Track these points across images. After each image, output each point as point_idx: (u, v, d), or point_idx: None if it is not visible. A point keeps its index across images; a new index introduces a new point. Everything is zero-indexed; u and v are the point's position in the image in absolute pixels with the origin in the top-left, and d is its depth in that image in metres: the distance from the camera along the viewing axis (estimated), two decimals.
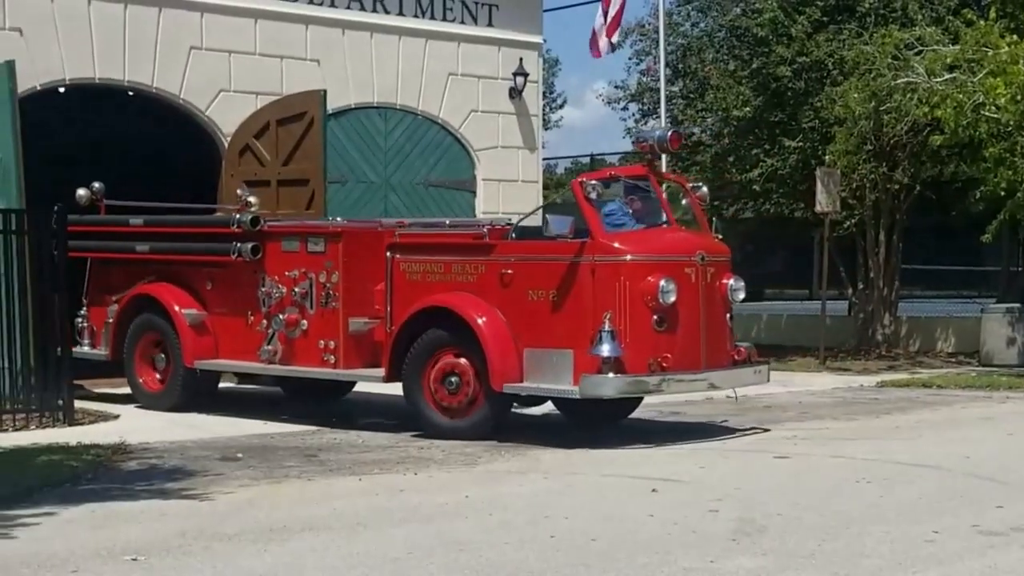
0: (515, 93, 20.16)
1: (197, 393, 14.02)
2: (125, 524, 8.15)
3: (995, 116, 17.37)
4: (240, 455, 11.01)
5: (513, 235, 12.18)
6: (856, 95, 19.04)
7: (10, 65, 14.12)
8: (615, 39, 22.14)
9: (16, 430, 12.35)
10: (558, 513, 8.47)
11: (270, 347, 13.24)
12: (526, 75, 20.15)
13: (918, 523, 8.17)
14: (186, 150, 17.91)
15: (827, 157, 20.20)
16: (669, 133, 12.37)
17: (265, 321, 13.30)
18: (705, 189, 13.42)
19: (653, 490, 9.37)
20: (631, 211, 12.40)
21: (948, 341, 22.99)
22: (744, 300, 12.95)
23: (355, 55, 18.65)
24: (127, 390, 14.57)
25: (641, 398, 12.76)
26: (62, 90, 16.61)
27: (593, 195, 11.80)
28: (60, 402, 12.84)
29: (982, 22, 18.01)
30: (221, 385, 15.22)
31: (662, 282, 11.45)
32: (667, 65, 22.62)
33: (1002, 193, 18.01)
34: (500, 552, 7.34)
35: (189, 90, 17.29)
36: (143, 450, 11.19)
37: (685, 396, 14.09)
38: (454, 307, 11.98)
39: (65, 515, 8.43)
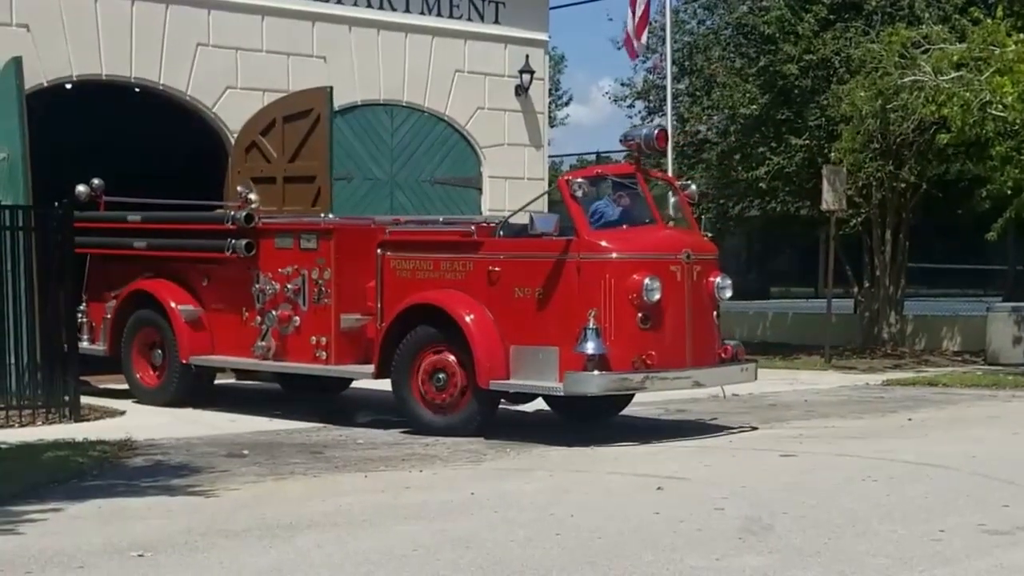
0: (521, 90, 20.16)
1: (193, 389, 14.09)
2: (131, 520, 8.16)
3: (1002, 115, 17.35)
4: (246, 452, 11.02)
5: (501, 233, 12.22)
6: (863, 93, 19.01)
7: (17, 61, 14.16)
8: (644, 38, 22.12)
9: (22, 426, 12.38)
10: (564, 511, 8.47)
11: (264, 343, 13.32)
12: (532, 72, 20.16)
13: (924, 522, 8.17)
14: (193, 147, 17.93)
15: (833, 155, 20.18)
16: (656, 131, 12.39)
17: (259, 317, 13.38)
18: (694, 187, 13.45)
19: (659, 488, 9.37)
20: (618, 209, 12.45)
21: (954, 340, 22.98)
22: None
23: (362, 52, 18.66)
24: None
25: (632, 395, 12.79)
26: (69, 87, 16.64)
27: (579, 193, 11.84)
28: (66, 398, 12.85)
29: (989, 20, 17.97)
30: (222, 382, 15.29)
31: (647, 280, 11.49)
32: (673, 63, 22.58)
33: (1008, 192, 18.00)
34: (506, 549, 7.35)
35: (196, 87, 17.31)
36: (149, 446, 11.21)
37: (690, 394, 14.11)
38: (442, 304, 12.05)
39: (72, 511, 8.44)
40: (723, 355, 12.38)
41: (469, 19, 19.75)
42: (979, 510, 8.61)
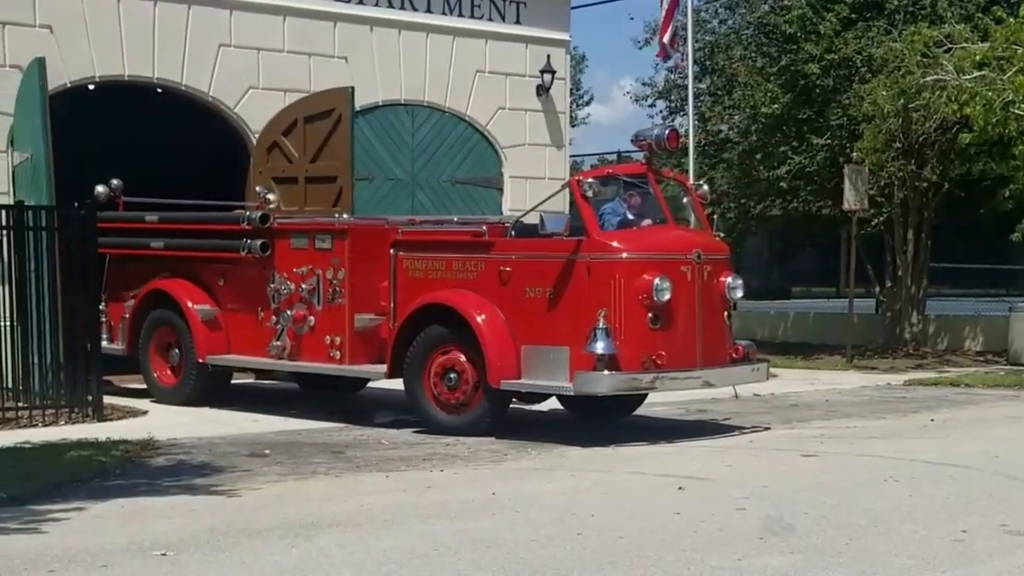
0: (542, 90, 20.16)
1: (210, 388, 14.17)
2: (154, 519, 8.19)
3: None
4: (267, 451, 11.05)
5: (512, 233, 12.24)
6: (885, 92, 18.98)
7: (41, 62, 14.21)
8: (666, 38, 22.11)
9: (46, 425, 12.42)
10: (585, 511, 8.47)
11: (279, 343, 13.38)
12: (553, 72, 20.15)
13: (946, 522, 8.15)
14: (214, 147, 17.98)
15: (855, 154, 20.14)
16: (667, 131, 12.37)
17: (274, 317, 13.44)
18: (706, 187, 13.43)
19: (680, 488, 9.36)
20: (628, 208, 12.46)
21: (976, 340, 22.90)
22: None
23: (383, 52, 18.68)
24: None
25: (645, 395, 12.79)
26: (92, 87, 16.70)
27: (590, 193, 11.84)
28: (89, 398, 12.90)
29: (1012, 19, 17.92)
30: (242, 381, 15.34)
31: (656, 280, 11.49)
32: (695, 62, 22.54)
33: None
34: (527, 549, 7.35)
35: (218, 87, 17.36)
36: (171, 446, 11.25)
37: (710, 394, 14.11)
38: (453, 304, 12.08)
39: (95, 510, 8.48)
40: (734, 355, 12.37)
41: (490, 19, 19.76)
42: (1002, 510, 8.58)
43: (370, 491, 9.28)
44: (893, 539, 7.65)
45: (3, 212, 13.14)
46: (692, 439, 12.03)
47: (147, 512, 8.44)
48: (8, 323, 12.95)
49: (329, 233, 13.18)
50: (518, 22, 19.99)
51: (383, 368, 12.64)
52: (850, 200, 19.78)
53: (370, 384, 14.61)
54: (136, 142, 18.90)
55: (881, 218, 22.00)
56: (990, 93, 17.35)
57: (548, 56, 20.12)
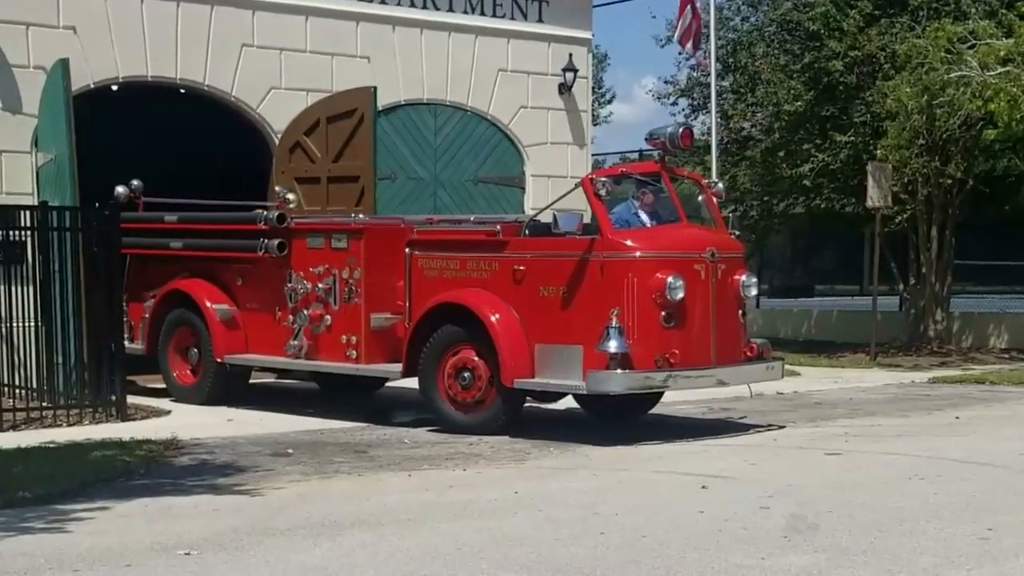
0: (564, 89, 20.13)
1: (228, 387, 14.23)
2: (178, 519, 8.21)
3: None
4: (290, 451, 11.07)
5: (526, 232, 12.24)
6: (908, 89, 18.90)
7: (64, 63, 14.27)
8: (676, 36, 22.09)
9: (70, 425, 12.47)
10: (608, 509, 8.46)
11: (296, 342, 13.42)
12: (575, 71, 20.12)
13: (972, 520, 8.11)
14: (237, 147, 18.02)
15: (879, 152, 20.07)
16: (681, 129, 12.34)
17: (291, 316, 13.49)
18: (721, 185, 13.41)
19: (703, 487, 9.34)
20: (642, 207, 12.46)
21: (1001, 337, 22.81)
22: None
23: (405, 52, 18.69)
24: None
25: (661, 393, 12.78)
26: (115, 88, 16.75)
27: (603, 192, 11.83)
28: (113, 398, 12.95)
29: None
30: (263, 381, 15.39)
31: (670, 279, 11.48)
32: (717, 60, 22.51)
33: None
34: (550, 548, 7.34)
35: (241, 87, 17.39)
36: (195, 445, 11.27)
37: (734, 392, 14.08)
38: (468, 303, 12.10)
39: (119, 509, 8.51)
40: (748, 353, 12.35)
41: (512, 18, 19.75)
42: None
43: (393, 490, 9.28)
44: (918, 537, 7.62)
45: (27, 213, 13.21)
46: (715, 438, 12.01)
47: (171, 511, 8.47)
48: (32, 323, 13.00)
49: (345, 233, 13.22)
50: (540, 21, 19.97)
51: (399, 367, 12.67)
52: (874, 197, 19.71)
53: (390, 383, 14.62)
54: (159, 143, 18.97)
55: (905, 215, 21.90)
56: (1015, 89, 17.27)
57: (570, 54, 20.09)
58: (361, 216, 13.84)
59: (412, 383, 12.96)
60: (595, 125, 34.84)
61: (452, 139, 19.20)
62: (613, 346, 11.28)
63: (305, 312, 13.30)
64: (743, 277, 12.21)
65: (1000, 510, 8.49)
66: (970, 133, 20.24)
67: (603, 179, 11.96)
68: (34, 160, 15.48)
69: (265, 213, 13.68)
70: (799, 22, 22.28)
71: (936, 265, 22.24)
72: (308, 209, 14.91)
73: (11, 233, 13.13)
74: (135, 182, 14.86)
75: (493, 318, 11.89)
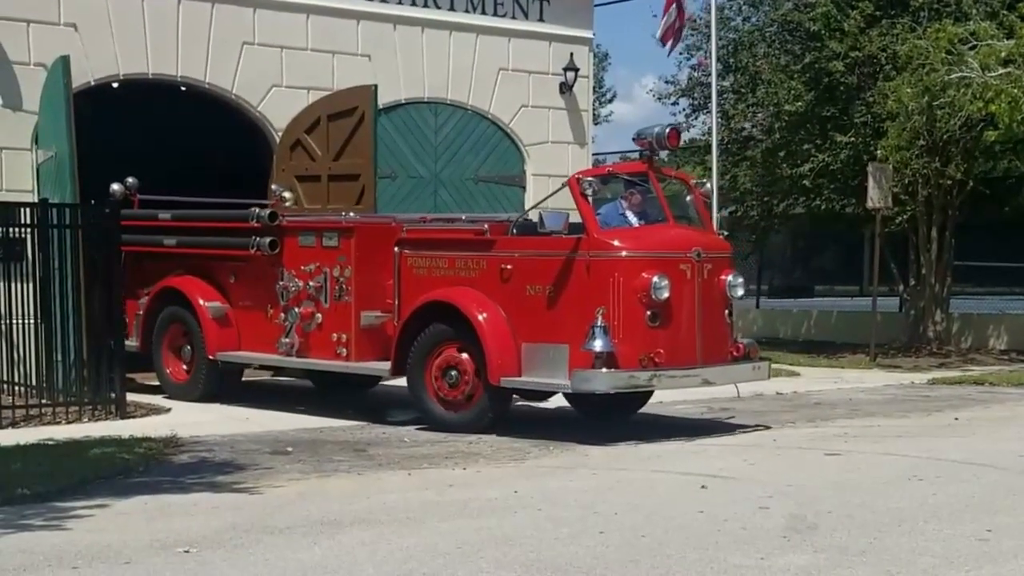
0: (565, 88, 20.13)
1: (221, 384, 14.29)
2: (177, 516, 8.21)
3: None
4: (290, 449, 11.07)
5: (513, 231, 12.27)
6: (909, 90, 18.89)
7: (65, 60, 14.27)
8: (657, 34, 22.11)
9: (69, 423, 12.47)
10: (607, 509, 8.46)
11: (288, 340, 13.49)
12: (576, 70, 20.11)
13: (971, 521, 8.11)
14: (238, 145, 18.02)
15: (879, 152, 20.06)
16: (667, 130, 12.36)
17: (283, 314, 13.56)
18: (709, 185, 13.44)
19: (703, 486, 9.34)
20: (629, 207, 12.51)
21: (1001, 338, 22.81)
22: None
23: (406, 50, 18.68)
24: None
25: (650, 392, 12.80)
26: (116, 85, 16.74)
27: (589, 192, 11.86)
28: (112, 395, 12.95)
29: None
30: (260, 379, 15.41)
31: (655, 278, 11.50)
32: (718, 60, 22.49)
33: None
34: (550, 547, 7.34)
35: (241, 85, 17.39)
36: (194, 443, 11.28)
37: (733, 392, 14.07)
38: (455, 302, 12.14)
39: (118, 507, 8.51)
40: (735, 353, 12.36)
41: (514, 17, 19.74)
42: None
43: (392, 489, 9.28)
44: (917, 538, 7.62)
45: (27, 210, 13.20)
46: (715, 437, 12.01)
47: (170, 509, 8.47)
48: (32, 320, 13.00)
49: (336, 231, 13.28)
50: (541, 20, 19.96)
51: (388, 365, 12.72)
52: (874, 198, 19.71)
53: (385, 381, 14.63)
54: (159, 140, 18.97)
55: (905, 216, 21.91)
56: (1015, 90, 17.27)
57: (571, 54, 20.09)
58: (351, 215, 13.90)
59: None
60: (596, 124, 34.85)
61: (453, 138, 19.19)
62: (598, 345, 11.32)
63: (296, 310, 13.38)
64: (730, 277, 12.23)
65: (999, 511, 8.49)
66: (971, 134, 20.23)
67: (589, 179, 12.00)
68: (34, 157, 15.47)
69: (257, 211, 13.74)
70: (800, 22, 22.27)
71: (936, 266, 22.24)
72: (309, 207, 14.93)
73: (11, 230, 13.11)
74: (130, 179, 14.91)
75: (480, 317, 11.94)
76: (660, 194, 12.52)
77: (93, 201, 13.34)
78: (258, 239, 13.59)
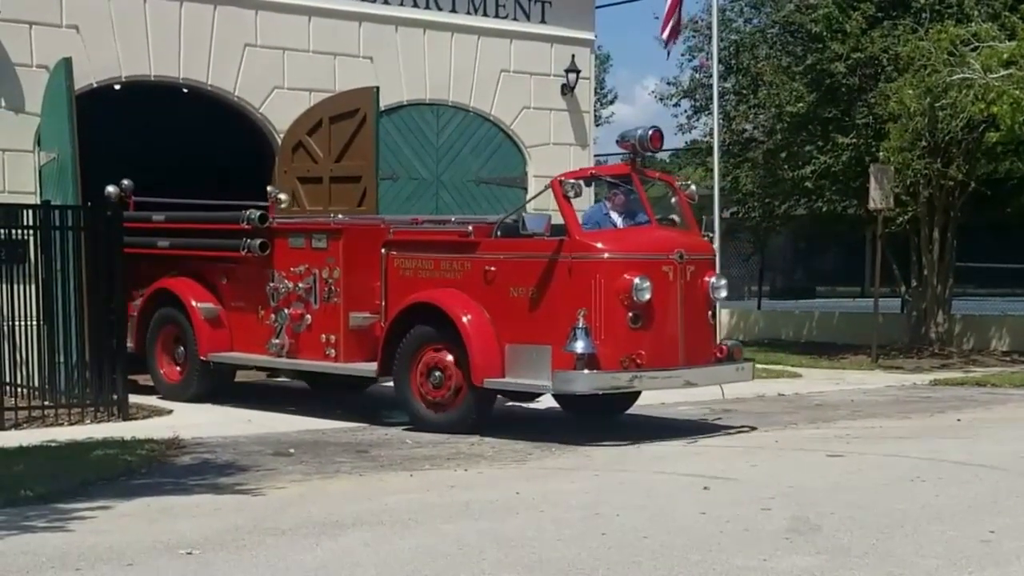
0: (567, 90, 20.13)
1: (213, 385, 14.36)
2: (180, 518, 8.21)
3: None
4: (292, 450, 11.07)
5: (497, 233, 12.29)
6: (911, 91, 18.89)
7: (67, 62, 14.28)
8: (666, 33, 22.10)
9: (71, 424, 12.48)
10: (609, 510, 8.46)
11: (278, 341, 13.58)
12: (578, 72, 20.12)
13: (974, 523, 8.11)
14: (240, 147, 18.02)
15: (881, 154, 20.05)
16: (650, 132, 12.38)
17: (274, 315, 13.64)
18: (693, 187, 13.46)
19: (705, 488, 9.34)
20: (612, 208, 12.56)
21: (1003, 339, 22.80)
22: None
23: (408, 52, 18.69)
24: None
25: (637, 393, 12.85)
26: (118, 87, 16.75)
27: (571, 194, 11.88)
28: (115, 397, 12.95)
29: None
30: (258, 380, 15.51)
31: (636, 280, 11.52)
32: (720, 61, 22.48)
33: None
34: (552, 549, 7.34)
35: (243, 87, 17.40)
36: (196, 445, 11.28)
37: (736, 394, 14.10)
38: (440, 304, 12.19)
39: (120, 509, 8.51)
40: (718, 355, 12.36)
41: (515, 19, 19.75)
42: None
43: (394, 490, 9.29)
44: (920, 539, 7.62)
45: (29, 212, 13.20)
46: (717, 439, 12.01)
47: (173, 511, 8.47)
48: (34, 322, 13.01)
49: (325, 233, 13.35)
50: (543, 21, 19.97)
51: (375, 366, 12.77)
52: (876, 199, 19.71)
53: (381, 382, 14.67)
54: (162, 142, 18.98)
55: (906, 217, 21.89)
56: (1017, 92, 17.26)
57: (573, 55, 20.09)
58: (340, 216, 13.96)
59: None
60: (597, 126, 34.84)
61: (454, 139, 19.20)
62: (580, 347, 11.36)
63: (286, 311, 13.48)
64: (712, 279, 12.26)
65: (1002, 512, 8.49)
66: (972, 136, 20.22)
67: (572, 181, 12.04)
68: (36, 159, 15.48)
69: (247, 213, 13.80)
70: (801, 24, 22.26)
71: (938, 267, 22.24)
72: (311, 209, 14.94)
73: (13, 232, 13.13)
74: (125, 181, 14.97)
75: (464, 319, 11.99)
76: (643, 196, 12.58)
77: (90, 203, 13.35)
78: (249, 241, 13.68)
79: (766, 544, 7.47)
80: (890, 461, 10.76)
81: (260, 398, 14.62)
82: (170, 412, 13.49)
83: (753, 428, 12.73)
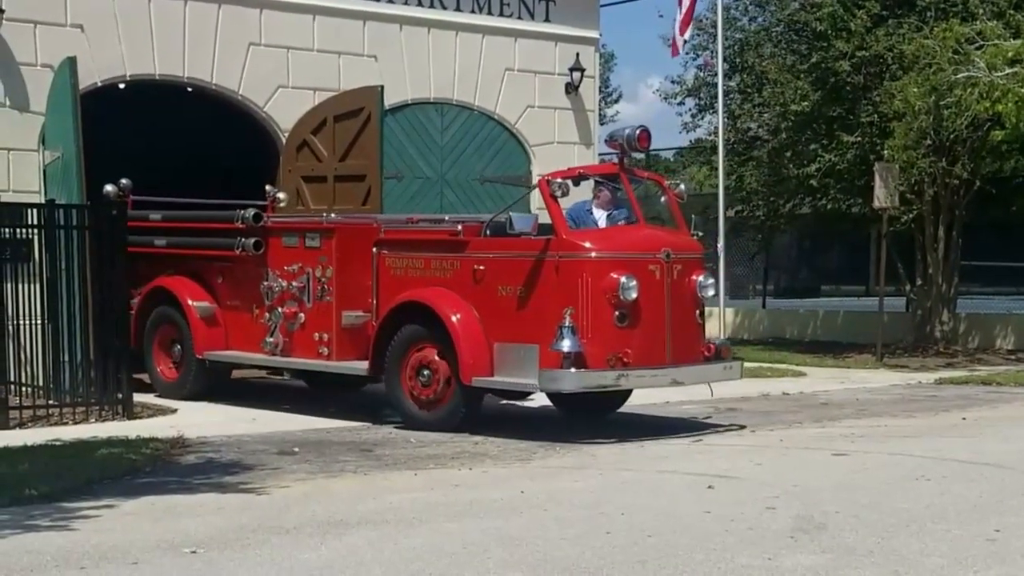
0: (571, 88, 20.13)
1: (209, 383, 14.43)
2: (184, 517, 8.21)
3: None
4: (296, 449, 11.08)
5: (486, 232, 12.32)
6: (916, 90, 18.86)
7: (72, 61, 14.27)
8: (687, 35, 22.10)
9: (76, 423, 12.49)
10: (614, 509, 8.46)
11: (272, 339, 13.63)
12: (583, 70, 20.12)
13: (979, 521, 8.10)
14: (244, 146, 18.03)
15: (885, 152, 20.03)
16: (638, 131, 12.37)
17: (268, 314, 13.71)
18: (683, 187, 13.47)
19: (709, 487, 9.34)
20: (599, 206, 12.60)
21: (1008, 338, 22.77)
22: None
23: (412, 51, 18.69)
24: None
25: (629, 391, 12.88)
26: (122, 86, 16.76)
27: (558, 193, 11.90)
28: (119, 396, 12.96)
29: None
30: (255, 378, 15.66)
31: (623, 279, 11.54)
32: (724, 60, 22.48)
33: None
34: (556, 547, 7.34)
35: (248, 86, 17.40)
36: (200, 444, 11.29)
37: (741, 393, 14.10)
38: (429, 303, 12.23)
39: (125, 507, 8.51)
40: (707, 353, 12.37)
41: (519, 17, 19.75)
42: None
43: (399, 489, 9.28)
44: (925, 538, 7.61)
45: (34, 211, 13.21)
46: (721, 437, 12.01)
47: (177, 509, 8.47)
48: (39, 321, 13.01)
49: (318, 232, 13.41)
50: (547, 20, 19.97)
51: (366, 365, 12.82)
52: (880, 198, 19.69)
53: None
54: (166, 141, 18.99)
55: (911, 216, 21.85)
56: (1022, 90, 17.24)
57: (577, 54, 20.09)
58: (332, 215, 14.00)
59: None
60: (601, 124, 34.71)
61: (459, 138, 19.20)
62: (566, 345, 11.38)
63: (280, 310, 13.54)
64: (700, 278, 12.25)
65: (1007, 511, 8.48)
66: (977, 134, 20.20)
67: (559, 180, 12.05)
68: (41, 158, 15.50)
69: (241, 212, 13.86)
70: (806, 22, 22.24)
71: (943, 266, 22.21)
72: (315, 208, 14.96)
73: (18, 231, 13.14)
74: (124, 181, 14.98)
75: (453, 317, 12.03)
76: (631, 195, 12.59)
77: (90, 202, 13.36)
78: (243, 240, 13.73)
79: (771, 543, 7.46)
80: (895, 460, 10.75)
81: (262, 397, 14.64)
82: (174, 411, 13.50)
83: (758, 427, 12.72)
